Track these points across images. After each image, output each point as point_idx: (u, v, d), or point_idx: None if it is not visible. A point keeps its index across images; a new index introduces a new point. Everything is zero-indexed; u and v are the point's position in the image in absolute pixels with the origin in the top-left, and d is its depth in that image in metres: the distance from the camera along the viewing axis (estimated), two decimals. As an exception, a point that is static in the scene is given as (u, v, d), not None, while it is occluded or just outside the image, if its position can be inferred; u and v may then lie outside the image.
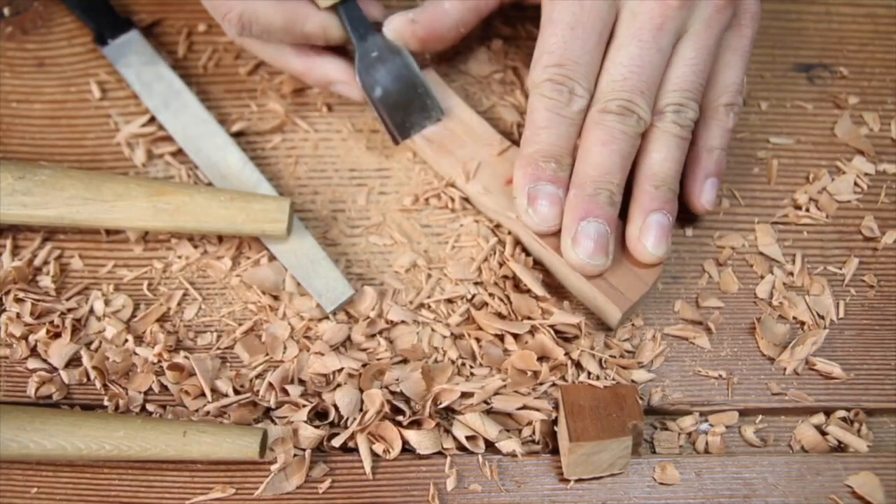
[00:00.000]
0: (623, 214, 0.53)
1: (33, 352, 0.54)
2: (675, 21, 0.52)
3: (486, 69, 0.63)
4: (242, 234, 0.55)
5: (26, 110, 0.61)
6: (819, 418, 0.54)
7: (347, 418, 0.52)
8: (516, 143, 0.59)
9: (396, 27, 0.56)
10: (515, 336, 0.54)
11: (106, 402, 0.53)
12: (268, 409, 0.53)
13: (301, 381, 0.53)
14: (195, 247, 0.57)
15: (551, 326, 0.53)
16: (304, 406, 0.52)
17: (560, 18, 0.52)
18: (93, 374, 0.53)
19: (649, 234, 0.52)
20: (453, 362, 0.54)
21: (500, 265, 0.56)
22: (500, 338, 0.54)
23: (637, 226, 0.52)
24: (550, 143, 0.52)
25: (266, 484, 0.50)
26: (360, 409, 0.52)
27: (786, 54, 0.64)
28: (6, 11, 0.64)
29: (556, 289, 0.56)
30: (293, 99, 0.62)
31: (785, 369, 0.55)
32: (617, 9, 0.52)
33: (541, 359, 0.53)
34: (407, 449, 0.51)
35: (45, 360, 0.54)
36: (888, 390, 0.54)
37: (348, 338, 0.55)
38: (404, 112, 0.57)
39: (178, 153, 0.60)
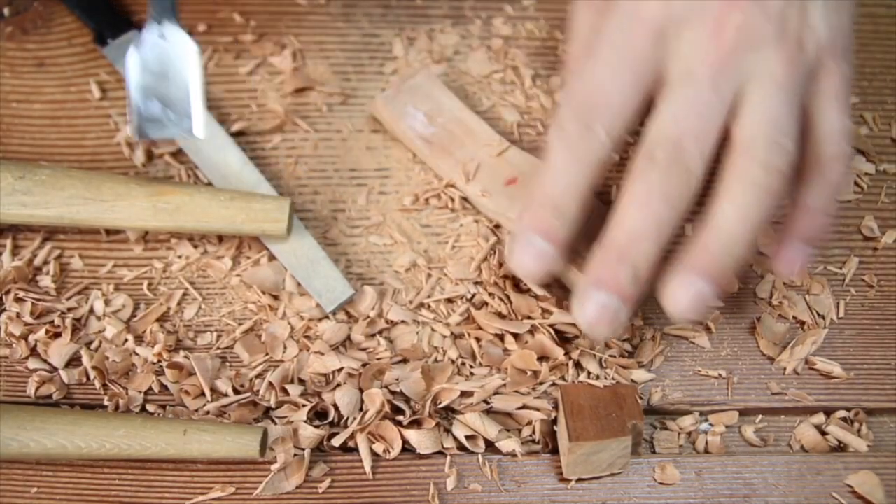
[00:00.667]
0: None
1: (33, 352, 0.54)
2: (733, 66, 0.44)
3: (486, 69, 0.63)
4: (242, 234, 0.55)
5: (26, 110, 0.61)
6: (819, 418, 0.54)
7: (347, 418, 0.52)
8: (516, 143, 0.59)
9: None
10: (515, 336, 0.54)
11: (106, 402, 0.53)
12: (268, 409, 0.53)
13: (301, 381, 0.53)
14: (195, 247, 0.57)
15: (551, 326, 0.53)
16: (304, 406, 0.52)
17: (597, 50, 0.46)
18: (93, 373, 0.53)
19: (679, 297, 0.44)
20: (453, 362, 0.54)
21: (500, 265, 0.56)
22: (500, 337, 0.54)
23: (672, 284, 0.45)
24: (557, 190, 0.46)
25: (266, 483, 0.50)
26: (360, 409, 0.52)
27: (786, 54, 0.64)
28: (6, 11, 0.64)
29: (558, 287, 0.56)
30: (293, 99, 0.62)
31: (785, 369, 0.55)
32: (664, 53, 0.45)
33: (541, 358, 0.53)
34: (407, 449, 0.51)
35: (45, 360, 0.54)
36: (888, 390, 0.54)
37: (348, 337, 0.55)
38: (155, 109, 0.52)
39: (178, 153, 0.60)
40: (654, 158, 0.43)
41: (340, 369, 0.53)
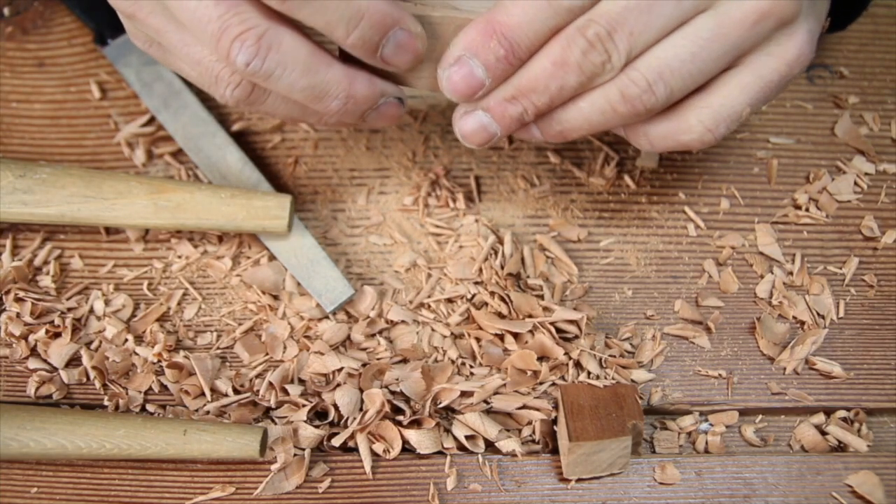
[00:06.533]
0: None
1: (33, 351, 0.54)
2: None
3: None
4: (243, 231, 0.55)
5: (26, 110, 0.61)
6: (819, 418, 0.54)
7: (347, 418, 0.52)
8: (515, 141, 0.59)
9: None
10: (515, 335, 0.54)
11: (106, 402, 0.53)
12: (268, 409, 0.53)
13: (301, 381, 0.53)
14: (195, 246, 0.57)
15: (552, 324, 0.53)
16: (304, 406, 0.52)
17: None
18: (92, 373, 0.53)
19: (464, 122, 0.47)
20: (453, 362, 0.54)
21: (502, 266, 0.56)
22: (500, 337, 0.54)
23: (462, 109, 0.47)
24: (522, 25, 0.44)
25: (266, 483, 0.50)
26: (360, 409, 0.52)
27: (786, 54, 0.64)
28: (6, 11, 0.64)
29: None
30: (293, 99, 0.62)
31: (785, 369, 0.55)
32: None
33: (541, 358, 0.53)
34: (407, 448, 0.51)
35: (45, 360, 0.54)
36: (888, 390, 0.54)
37: (348, 337, 0.55)
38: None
39: (178, 153, 0.60)
40: (585, 32, 0.43)
41: (340, 369, 0.53)
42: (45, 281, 0.56)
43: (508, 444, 0.51)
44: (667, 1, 0.43)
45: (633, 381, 0.54)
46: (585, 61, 0.43)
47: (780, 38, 0.46)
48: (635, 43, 0.43)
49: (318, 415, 0.53)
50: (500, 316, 0.54)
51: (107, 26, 0.62)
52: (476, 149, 0.49)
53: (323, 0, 0.42)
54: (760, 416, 0.54)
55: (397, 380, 0.53)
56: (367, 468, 0.51)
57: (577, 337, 0.54)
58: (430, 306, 0.55)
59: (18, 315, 0.54)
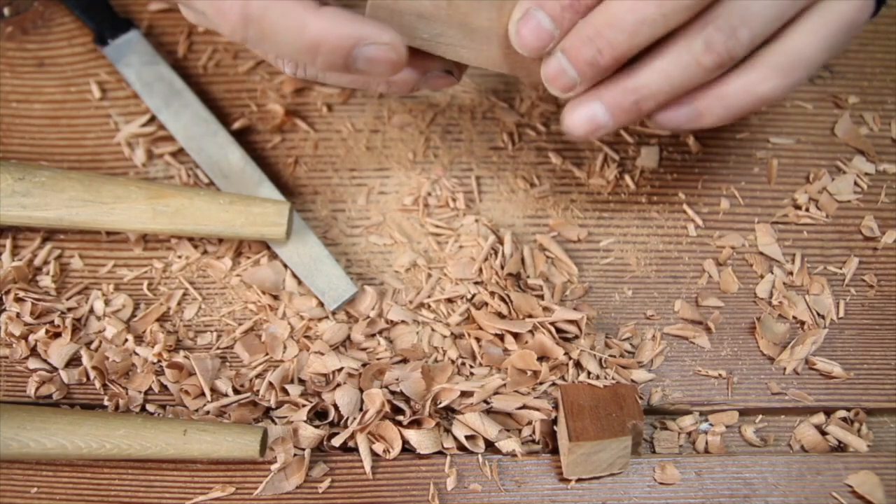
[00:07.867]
0: None
1: (33, 351, 0.54)
2: None
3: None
4: (241, 238, 0.55)
5: (26, 110, 0.61)
6: (819, 418, 0.54)
7: (347, 418, 0.52)
8: (515, 144, 0.59)
9: None
10: (515, 335, 0.54)
11: (106, 402, 0.53)
12: (268, 409, 0.53)
13: (301, 381, 0.53)
14: (195, 247, 0.57)
15: (552, 324, 0.53)
16: (304, 406, 0.52)
17: None
18: (92, 373, 0.53)
19: (574, 115, 0.46)
20: (453, 362, 0.54)
21: (502, 266, 0.56)
22: (500, 337, 0.54)
23: (574, 102, 0.46)
24: None
25: (266, 483, 0.50)
26: (360, 409, 0.52)
27: (786, 54, 0.64)
28: (6, 11, 0.64)
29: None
30: (293, 99, 0.62)
31: (785, 369, 0.55)
32: None
33: (541, 358, 0.53)
34: (407, 449, 0.51)
35: (45, 360, 0.54)
36: (888, 390, 0.54)
37: (348, 337, 0.55)
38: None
39: (178, 153, 0.60)
40: None
41: (340, 369, 0.53)
42: (45, 281, 0.56)
43: (508, 444, 0.51)
44: None
45: (633, 381, 0.54)
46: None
47: None
48: None
49: (318, 415, 0.53)
50: (500, 316, 0.54)
51: (107, 26, 0.62)
52: (563, 96, 0.47)
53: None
54: (760, 416, 0.54)
55: (397, 380, 0.53)
56: (367, 468, 0.51)
57: (577, 337, 0.54)
58: (430, 306, 0.55)
59: (18, 315, 0.54)
